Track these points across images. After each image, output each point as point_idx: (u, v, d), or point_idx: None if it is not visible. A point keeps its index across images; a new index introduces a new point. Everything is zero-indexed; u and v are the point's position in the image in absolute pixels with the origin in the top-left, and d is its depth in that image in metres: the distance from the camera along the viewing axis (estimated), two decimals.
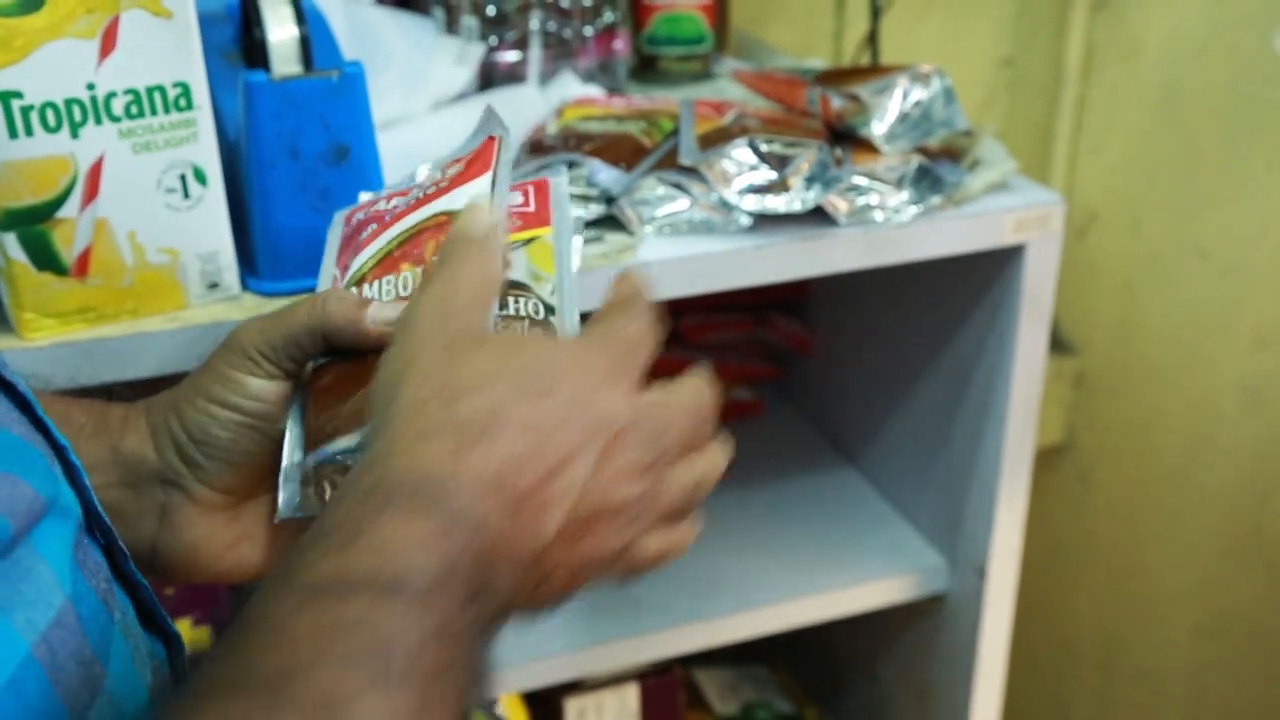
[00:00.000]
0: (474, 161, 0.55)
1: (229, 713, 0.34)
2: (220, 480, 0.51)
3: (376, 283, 0.53)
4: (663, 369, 1.36)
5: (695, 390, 0.47)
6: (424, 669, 0.36)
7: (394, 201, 0.58)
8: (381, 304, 0.51)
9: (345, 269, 0.56)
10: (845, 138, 0.83)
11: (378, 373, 0.45)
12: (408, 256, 0.53)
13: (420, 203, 0.55)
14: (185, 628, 0.92)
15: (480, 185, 0.53)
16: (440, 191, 0.55)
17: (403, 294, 0.52)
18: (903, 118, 0.81)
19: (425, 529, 0.39)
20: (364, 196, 0.65)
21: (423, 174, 0.61)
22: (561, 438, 0.43)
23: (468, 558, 0.39)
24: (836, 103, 0.83)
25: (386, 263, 0.54)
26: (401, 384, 0.43)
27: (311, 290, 0.57)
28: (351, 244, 0.58)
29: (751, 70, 0.97)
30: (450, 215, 0.53)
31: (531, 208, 0.55)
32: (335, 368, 0.51)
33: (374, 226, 0.57)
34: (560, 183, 0.57)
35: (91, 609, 0.42)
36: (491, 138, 0.56)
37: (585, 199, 0.79)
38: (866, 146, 0.82)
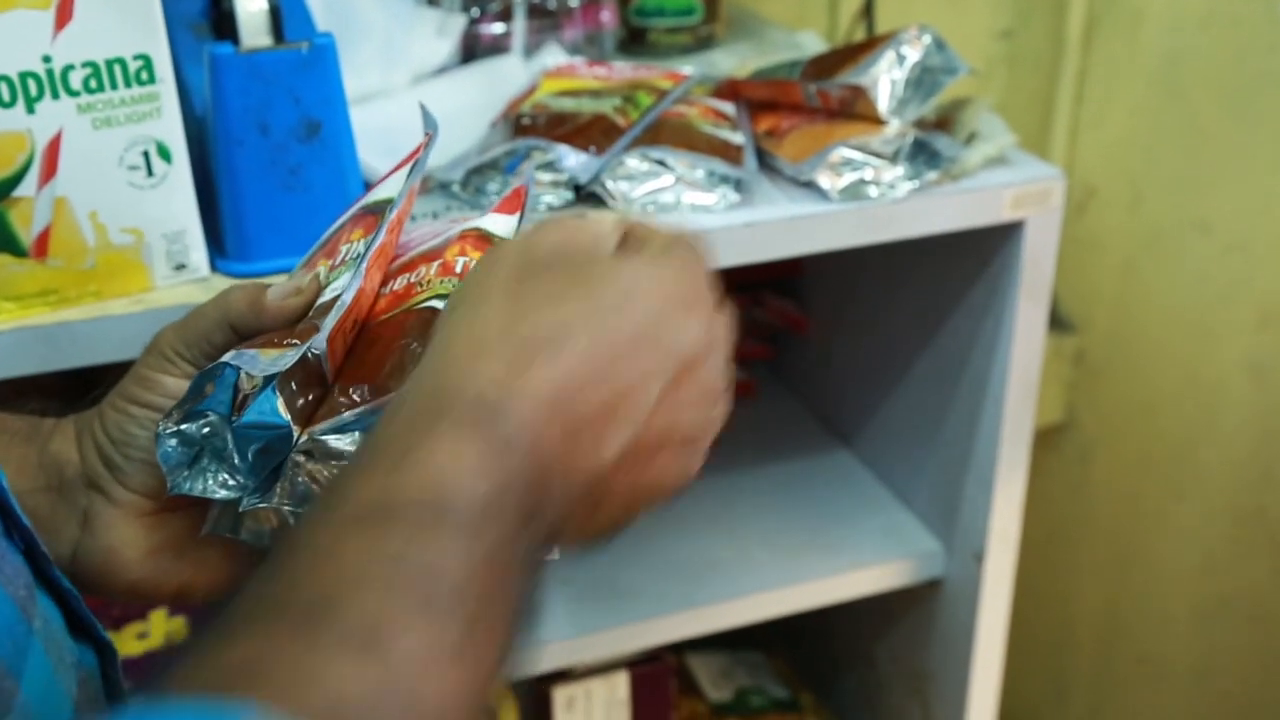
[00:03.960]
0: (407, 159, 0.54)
1: (262, 646, 0.33)
2: (139, 482, 0.49)
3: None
4: None
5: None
6: (470, 598, 0.35)
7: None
8: (280, 285, 0.50)
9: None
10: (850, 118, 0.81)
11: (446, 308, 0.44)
12: (325, 252, 0.53)
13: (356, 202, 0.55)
14: (160, 618, 0.90)
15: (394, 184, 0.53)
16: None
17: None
18: (906, 83, 0.79)
19: (477, 451, 0.37)
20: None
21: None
22: (630, 364, 0.41)
23: (520, 483, 0.38)
24: (836, 93, 0.80)
25: (309, 261, 0.53)
26: (466, 305, 0.42)
27: (286, 271, 0.56)
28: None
29: (728, 80, 0.93)
30: (371, 205, 0.53)
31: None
32: None
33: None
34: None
35: (5, 618, 0.39)
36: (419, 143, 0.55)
37: (554, 185, 0.77)
38: (873, 121, 0.80)
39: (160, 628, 0.90)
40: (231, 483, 0.47)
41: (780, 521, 1.04)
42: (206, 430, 0.47)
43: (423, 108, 0.55)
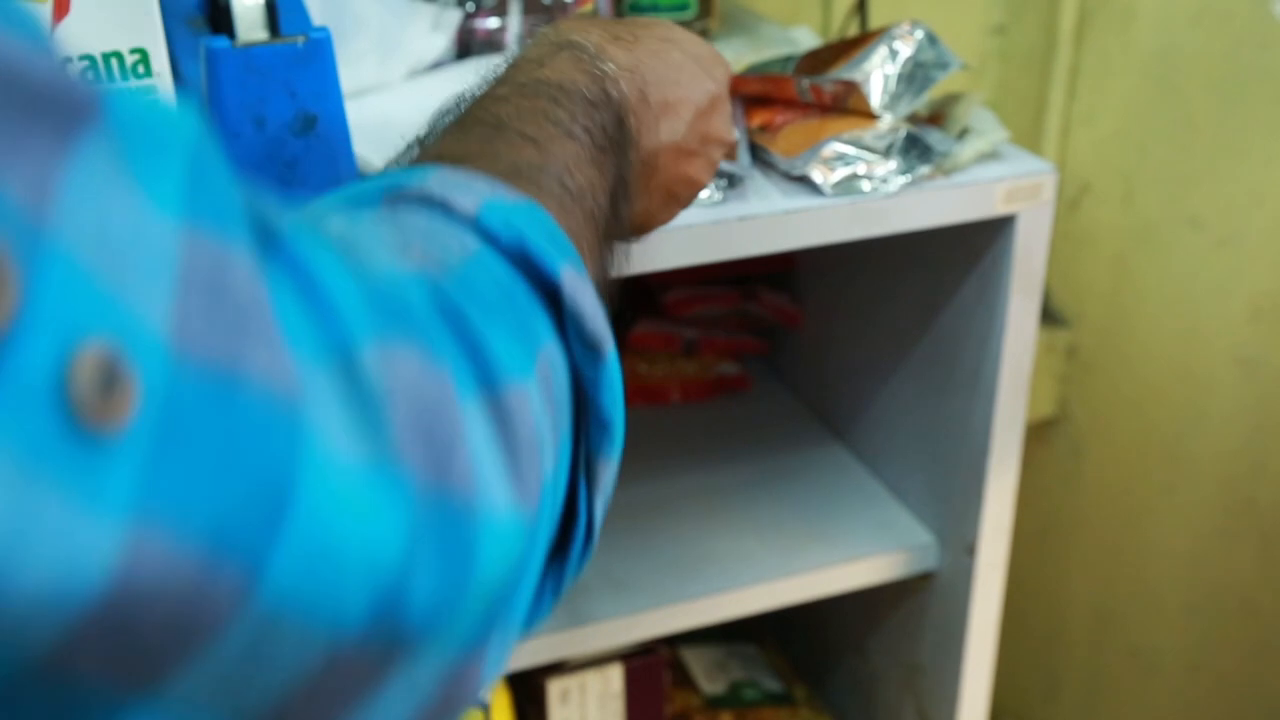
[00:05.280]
0: None
1: (464, 146, 0.48)
2: None
3: None
4: (646, 343, 1.33)
5: None
6: (588, 143, 0.51)
7: None
8: None
9: None
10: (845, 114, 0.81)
11: None
12: None
13: None
14: None
15: None
16: None
17: None
18: (899, 78, 0.79)
19: (584, 71, 0.53)
20: None
21: None
22: (682, 75, 0.58)
23: (611, 107, 0.53)
24: (829, 88, 0.81)
25: None
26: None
27: None
28: None
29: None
30: None
31: None
32: None
33: None
34: None
35: None
36: None
37: None
38: (866, 116, 0.80)
39: None
40: None
41: (774, 515, 1.04)
42: None
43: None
